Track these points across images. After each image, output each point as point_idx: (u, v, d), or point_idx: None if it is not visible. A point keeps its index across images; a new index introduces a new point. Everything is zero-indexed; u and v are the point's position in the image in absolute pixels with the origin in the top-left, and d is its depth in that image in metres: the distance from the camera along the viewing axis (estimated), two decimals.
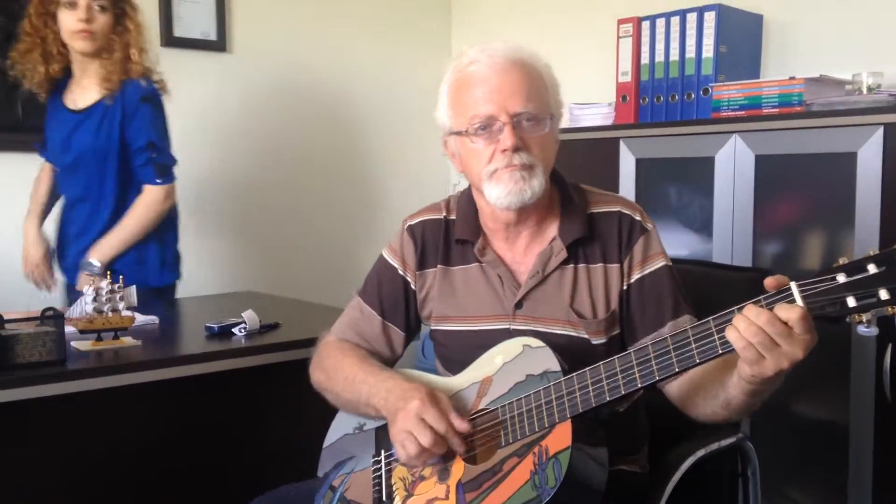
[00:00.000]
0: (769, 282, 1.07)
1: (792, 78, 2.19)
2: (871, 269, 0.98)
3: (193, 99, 2.96)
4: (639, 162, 2.47)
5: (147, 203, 2.35)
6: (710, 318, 1.10)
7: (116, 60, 2.28)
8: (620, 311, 1.39)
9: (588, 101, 2.74)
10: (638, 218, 1.41)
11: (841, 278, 1.00)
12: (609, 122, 2.65)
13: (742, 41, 2.49)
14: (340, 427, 1.52)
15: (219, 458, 1.91)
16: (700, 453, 1.45)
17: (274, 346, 1.94)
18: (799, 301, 1.03)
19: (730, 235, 2.24)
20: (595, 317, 1.37)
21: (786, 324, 1.03)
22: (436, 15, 3.59)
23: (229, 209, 3.07)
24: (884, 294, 0.97)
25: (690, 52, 2.45)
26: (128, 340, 1.88)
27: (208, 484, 1.88)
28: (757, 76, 2.51)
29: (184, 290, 2.87)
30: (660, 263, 1.39)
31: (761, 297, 1.06)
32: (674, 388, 1.34)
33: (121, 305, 1.85)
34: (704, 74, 2.42)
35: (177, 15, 2.89)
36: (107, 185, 2.34)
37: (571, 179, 1.46)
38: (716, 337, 1.09)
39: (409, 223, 1.53)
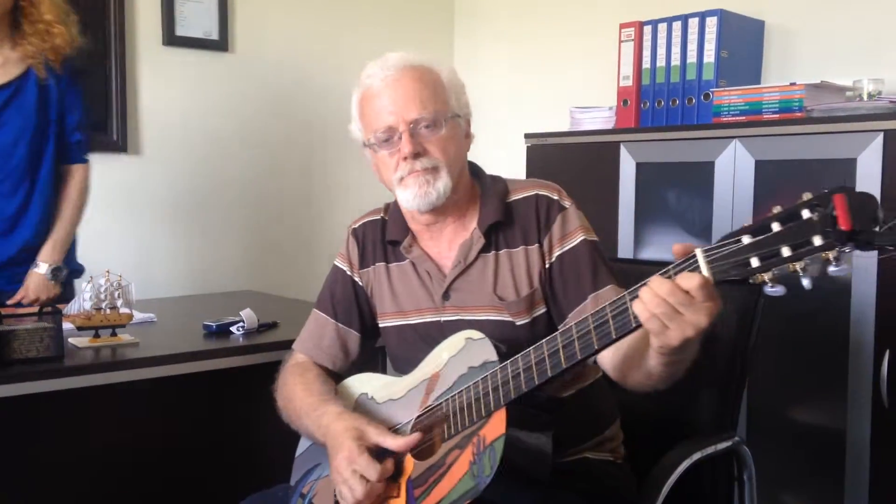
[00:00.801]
0: (676, 248, 1.07)
1: (793, 84, 2.20)
2: (775, 227, 0.96)
3: (195, 98, 2.97)
4: (639, 166, 2.47)
5: (81, 185, 2.27)
6: (627, 291, 1.10)
7: (37, 33, 2.12)
8: (544, 291, 1.41)
9: (589, 104, 2.74)
10: (555, 197, 1.44)
11: (745, 240, 0.98)
12: (610, 125, 2.65)
13: (743, 47, 2.49)
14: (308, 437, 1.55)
15: (215, 456, 1.91)
16: (696, 456, 1.45)
17: (272, 344, 1.94)
18: (703, 266, 1.01)
19: None
20: (518, 297, 1.40)
21: (687, 292, 1.02)
22: (439, 19, 3.59)
23: (230, 208, 3.07)
24: (786, 251, 0.94)
25: (692, 57, 2.45)
26: (125, 337, 1.88)
27: (204, 481, 1.88)
28: (758, 82, 2.52)
29: (183, 288, 2.88)
30: (578, 238, 1.42)
31: (669, 266, 1.06)
32: (606, 361, 1.35)
33: (119, 302, 1.85)
34: (706, 79, 2.42)
35: (179, 14, 2.90)
36: (42, 170, 2.19)
37: (490, 172, 1.53)
38: (630, 311, 1.09)
39: (353, 227, 1.62)
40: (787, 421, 2.18)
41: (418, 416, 1.35)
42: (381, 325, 1.55)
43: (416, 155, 1.38)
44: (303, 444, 1.55)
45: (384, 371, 1.79)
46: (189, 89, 2.96)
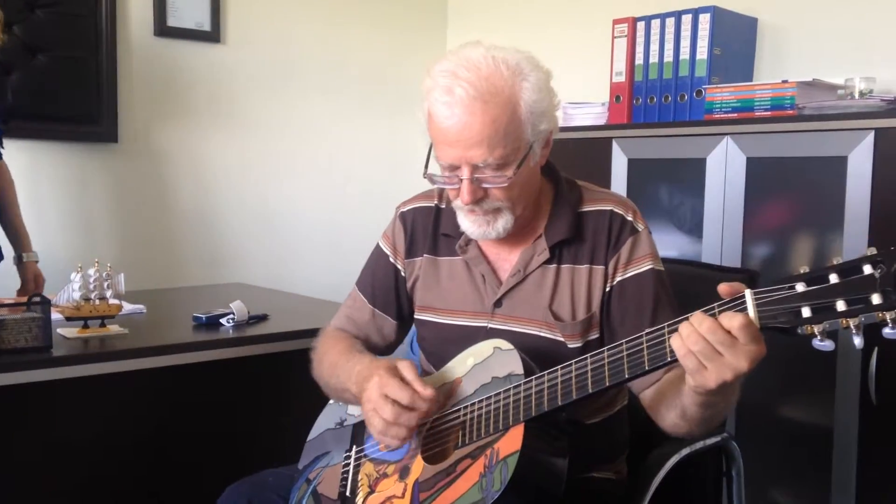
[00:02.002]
0: (723, 288, 1.02)
1: (785, 81, 2.20)
2: (833, 278, 0.92)
3: (187, 89, 2.95)
4: (631, 162, 2.47)
5: (10, 177, 2.31)
6: (666, 323, 1.05)
7: None
8: (601, 315, 1.35)
9: (582, 100, 2.74)
10: (630, 218, 1.36)
11: (800, 287, 0.94)
12: (602, 121, 2.65)
13: (736, 43, 2.49)
14: (324, 422, 1.53)
15: (203, 447, 1.91)
16: (685, 451, 1.45)
17: (262, 337, 1.94)
18: (751, 309, 0.97)
19: (719, 237, 2.25)
20: (573, 319, 1.34)
21: (729, 332, 0.97)
22: (432, 10, 3.58)
23: (222, 200, 3.05)
24: (841, 305, 0.90)
25: (685, 54, 2.45)
26: (114, 328, 1.87)
27: (192, 471, 1.88)
28: (750, 79, 2.52)
29: (172, 280, 2.87)
30: (646, 266, 1.33)
31: (714, 304, 1.01)
32: (646, 397, 1.31)
33: (108, 293, 1.85)
34: (698, 76, 2.42)
35: (171, 5, 2.88)
36: None
37: (567, 174, 1.44)
38: (667, 344, 1.04)
39: (401, 209, 1.53)
40: (775, 417, 2.19)
41: (434, 420, 1.31)
42: (418, 317, 1.48)
43: (476, 201, 1.28)
44: (316, 429, 1.53)
45: None
46: (181, 80, 2.94)
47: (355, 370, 1.35)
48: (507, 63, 1.25)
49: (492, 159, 1.24)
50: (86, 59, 2.72)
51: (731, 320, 0.97)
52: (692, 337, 0.99)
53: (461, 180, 1.27)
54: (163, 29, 2.88)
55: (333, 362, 1.44)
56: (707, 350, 0.99)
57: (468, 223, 1.33)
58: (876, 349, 1.90)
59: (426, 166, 1.36)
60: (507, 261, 1.40)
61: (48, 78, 2.65)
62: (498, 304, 1.38)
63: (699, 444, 1.49)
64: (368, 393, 1.26)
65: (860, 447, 1.96)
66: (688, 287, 1.48)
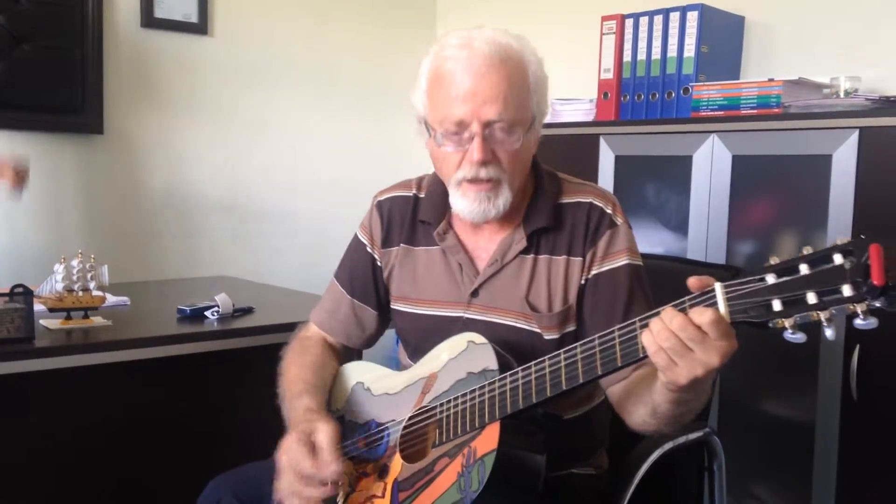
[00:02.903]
0: (692, 282, 1.00)
1: (771, 80, 2.21)
2: (803, 269, 0.89)
3: (173, 82, 2.94)
4: (618, 159, 2.48)
5: None
6: (638, 317, 1.04)
7: None
8: (578, 307, 1.34)
9: (570, 96, 2.75)
10: (609, 211, 1.34)
11: (770, 279, 0.91)
12: (590, 118, 2.66)
13: (723, 42, 2.50)
14: None
15: (187, 440, 1.90)
16: (667, 446, 1.46)
17: (247, 330, 1.93)
18: (721, 303, 0.95)
19: (705, 234, 2.26)
20: (550, 310, 1.32)
21: (699, 328, 0.96)
22: (422, 8, 3.58)
23: (208, 193, 3.04)
24: (812, 297, 0.88)
25: (672, 52, 2.46)
26: (98, 320, 1.86)
27: (176, 465, 1.87)
28: (737, 77, 2.53)
29: (157, 272, 2.86)
30: (622, 261, 1.32)
31: (685, 298, 0.99)
32: (614, 393, 1.29)
33: (91, 285, 1.83)
34: (685, 74, 2.43)
35: None
36: None
37: (549, 167, 1.43)
38: (639, 339, 1.02)
39: (378, 199, 1.51)
40: (757, 413, 2.20)
41: (411, 417, 1.30)
42: (394, 308, 1.46)
43: (485, 162, 1.25)
44: None
45: None
46: (167, 72, 2.93)
47: (289, 417, 1.35)
48: (516, 38, 1.29)
49: (505, 116, 1.23)
50: (71, 50, 2.70)
51: (702, 316, 0.95)
52: (662, 333, 0.98)
53: (471, 139, 1.24)
54: (150, 20, 2.86)
55: (283, 390, 1.43)
56: (677, 346, 0.97)
57: (468, 200, 1.28)
58: (858, 346, 1.92)
59: (429, 134, 1.32)
60: (484, 250, 1.38)
61: (33, 68, 2.63)
62: (475, 294, 1.36)
63: (682, 439, 1.50)
64: (279, 454, 1.25)
65: (841, 442, 1.98)
66: (672, 283, 1.49)
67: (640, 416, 1.21)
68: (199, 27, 2.97)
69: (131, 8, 2.83)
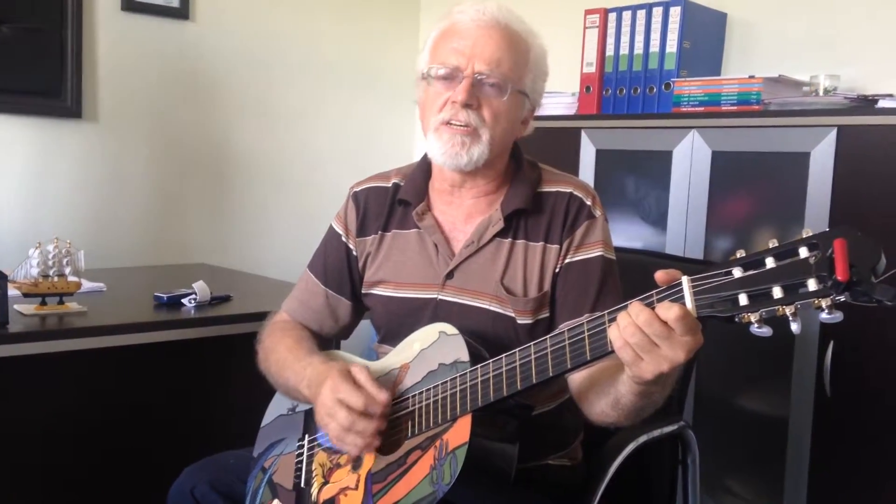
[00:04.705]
0: (659, 276, 1.00)
1: (751, 77, 2.22)
2: (769, 262, 0.89)
3: (153, 67, 2.91)
4: (599, 153, 2.48)
5: None
6: (607, 311, 1.04)
7: None
8: (552, 295, 1.35)
9: (552, 89, 2.74)
10: (588, 202, 1.37)
11: (736, 272, 0.91)
12: (572, 111, 2.66)
13: (705, 38, 2.51)
14: (276, 407, 1.51)
15: (162, 428, 1.90)
16: (642, 439, 1.47)
17: (224, 318, 1.93)
18: (688, 297, 0.95)
19: (683, 229, 2.27)
20: (525, 295, 1.33)
21: (666, 324, 0.96)
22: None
23: (185, 179, 3.02)
24: (777, 292, 0.88)
25: (654, 47, 2.47)
26: (73, 306, 1.85)
27: (150, 453, 1.86)
28: (718, 73, 2.54)
29: (134, 259, 2.83)
30: (596, 252, 1.34)
31: (653, 291, 0.99)
32: (574, 381, 1.30)
33: (67, 270, 1.82)
34: (667, 69, 2.44)
35: None
36: None
37: (532, 157, 1.44)
38: (608, 333, 1.02)
39: (355, 189, 1.52)
40: (732, 407, 2.22)
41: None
42: (368, 292, 1.46)
43: (467, 105, 1.29)
44: (269, 415, 1.51)
45: None
46: (147, 57, 2.90)
47: (306, 374, 1.33)
48: (523, 21, 1.40)
49: (497, 71, 1.30)
50: (50, 32, 2.66)
51: (668, 311, 0.95)
52: (629, 329, 0.98)
53: (459, 83, 1.30)
54: (130, 4, 2.83)
55: (281, 360, 1.42)
56: (644, 342, 0.98)
57: (442, 142, 1.31)
58: (831, 343, 1.94)
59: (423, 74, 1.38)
60: (462, 232, 1.39)
61: (11, 50, 2.59)
62: (450, 275, 1.37)
63: (656, 432, 1.51)
64: (322, 398, 1.24)
65: (813, 437, 2.00)
66: (649, 277, 1.50)
67: (600, 406, 1.21)
68: (181, 12, 2.94)
69: None
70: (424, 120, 1.37)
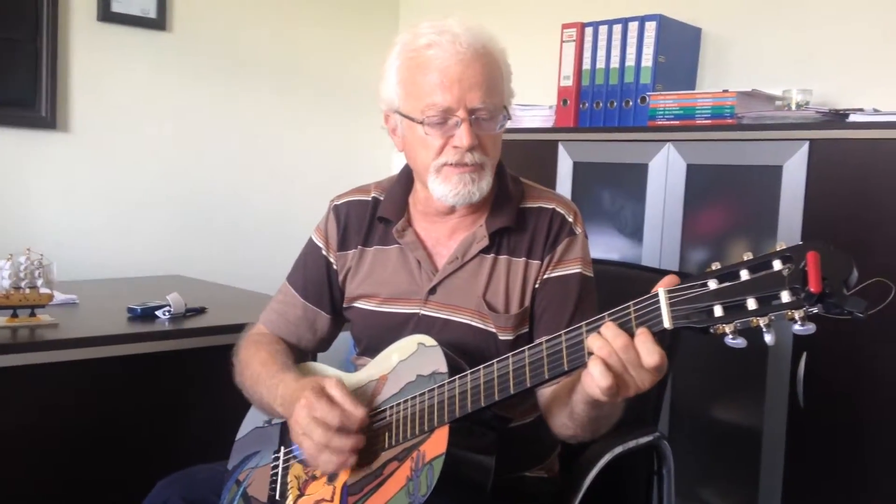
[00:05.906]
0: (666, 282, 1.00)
1: (725, 91, 2.25)
2: (744, 275, 0.91)
3: (128, 77, 2.89)
4: (576, 165, 2.50)
5: None
6: (584, 322, 1.05)
7: None
8: (531, 309, 1.35)
9: (529, 102, 2.76)
10: (570, 219, 1.38)
11: (712, 284, 0.93)
12: (549, 124, 2.67)
13: (680, 52, 2.54)
14: (252, 420, 1.50)
15: (135, 441, 1.87)
16: (617, 450, 1.48)
17: (199, 330, 1.91)
18: (664, 309, 0.96)
19: (659, 241, 2.29)
20: (507, 311, 1.34)
21: (640, 355, 0.98)
22: (383, 11, 3.57)
23: (159, 190, 3.00)
24: (751, 304, 0.89)
25: (630, 61, 2.49)
26: (45, 318, 1.83)
27: (122, 467, 1.84)
28: (693, 87, 2.57)
29: (108, 270, 2.81)
30: (574, 269, 1.35)
31: (630, 303, 1.01)
32: (542, 396, 1.30)
33: (39, 282, 1.80)
34: (643, 83, 2.46)
35: None
36: None
37: (513, 172, 1.45)
38: (585, 345, 1.03)
39: (335, 203, 1.51)
40: (706, 418, 2.23)
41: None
42: (348, 306, 1.45)
43: (472, 148, 1.28)
44: (244, 427, 1.49)
45: None
46: (123, 68, 2.88)
47: (278, 392, 1.31)
48: (483, 27, 1.33)
49: (489, 103, 1.27)
50: (25, 42, 2.64)
51: (644, 345, 0.97)
52: (604, 349, 1.00)
53: (456, 125, 1.27)
54: (106, 14, 2.81)
55: (255, 374, 1.40)
56: (618, 365, 1.00)
57: (451, 185, 1.29)
58: (805, 354, 1.96)
59: (386, 119, 1.37)
60: (445, 247, 1.39)
61: None
62: (433, 291, 1.37)
63: (632, 443, 1.52)
64: (296, 416, 1.21)
65: (787, 448, 2.02)
66: (626, 288, 1.50)
67: (561, 419, 1.22)
68: (157, 22, 2.93)
69: (88, 1, 2.78)
70: (416, 161, 1.35)
